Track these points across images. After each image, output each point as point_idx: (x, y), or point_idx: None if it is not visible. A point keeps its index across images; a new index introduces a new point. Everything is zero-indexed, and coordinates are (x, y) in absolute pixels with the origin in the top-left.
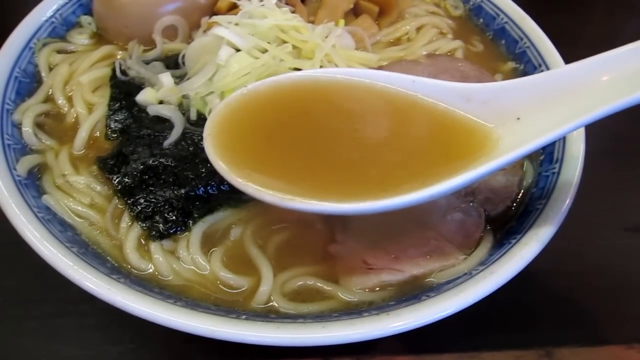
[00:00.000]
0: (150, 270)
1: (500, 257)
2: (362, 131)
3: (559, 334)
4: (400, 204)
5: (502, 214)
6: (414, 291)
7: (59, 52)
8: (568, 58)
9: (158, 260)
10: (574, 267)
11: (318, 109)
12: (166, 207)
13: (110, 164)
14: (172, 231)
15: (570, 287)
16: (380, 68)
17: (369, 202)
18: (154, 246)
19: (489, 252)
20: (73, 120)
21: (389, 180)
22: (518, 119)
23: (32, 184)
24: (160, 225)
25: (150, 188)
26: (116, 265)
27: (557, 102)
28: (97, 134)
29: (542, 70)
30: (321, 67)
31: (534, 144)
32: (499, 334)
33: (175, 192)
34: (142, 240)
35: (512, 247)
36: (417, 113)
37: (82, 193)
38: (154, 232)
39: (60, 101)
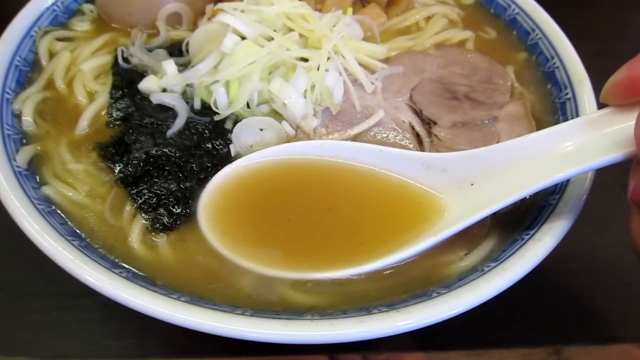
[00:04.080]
0: (154, 263)
1: (513, 253)
2: (333, 207)
3: (568, 332)
4: (355, 273)
5: (510, 209)
6: (424, 287)
7: (60, 40)
8: (577, 52)
9: (163, 252)
10: (584, 264)
11: (298, 188)
12: (170, 199)
13: (111, 152)
14: (177, 224)
15: (580, 284)
16: (388, 59)
17: (338, 272)
18: (158, 238)
19: (492, 249)
20: (74, 108)
21: (355, 251)
22: (472, 185)
23: (31, 175)
24: (165, 218)
25: (155, 180)
26: (118, 258)
27: (509, 171)
28: (99, 122)
29: (554, 62)
30: (328, 59)
31: (479, 215)
32: (507, 332)
33: (181, 184)
34: (145, 232)
35: (525, 243)
36: (379, 188)
37: (82, 182)
38: (157, 225)
39: (62, 89)
